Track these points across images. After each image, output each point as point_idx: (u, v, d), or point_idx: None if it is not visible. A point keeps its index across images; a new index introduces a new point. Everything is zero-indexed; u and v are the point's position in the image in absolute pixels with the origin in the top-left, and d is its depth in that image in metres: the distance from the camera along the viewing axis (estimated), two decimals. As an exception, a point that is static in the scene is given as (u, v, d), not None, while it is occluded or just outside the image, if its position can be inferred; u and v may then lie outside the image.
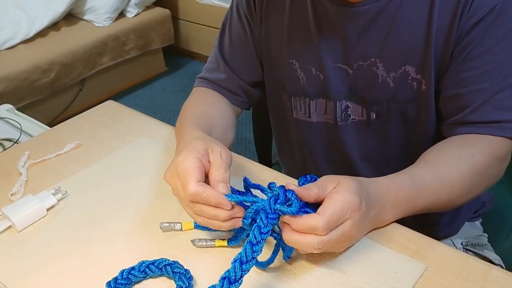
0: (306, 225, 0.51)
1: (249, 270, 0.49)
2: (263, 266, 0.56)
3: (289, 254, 0.56)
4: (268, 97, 0.89)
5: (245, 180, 0.59)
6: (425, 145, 0.70)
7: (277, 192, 0.53)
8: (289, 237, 0.52)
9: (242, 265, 0.48)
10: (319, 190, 0.53)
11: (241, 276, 0.48)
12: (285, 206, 0.52)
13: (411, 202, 0.61)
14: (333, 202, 0.52)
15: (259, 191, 0.58)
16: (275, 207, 0.51)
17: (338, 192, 0.52)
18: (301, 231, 0.51)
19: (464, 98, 0.68)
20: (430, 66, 0.69)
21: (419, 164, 0.66)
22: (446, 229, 0.87)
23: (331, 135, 0.82)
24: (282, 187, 0.54)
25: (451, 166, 0.64)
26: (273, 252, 0.56)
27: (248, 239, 0.50)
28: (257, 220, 0.51)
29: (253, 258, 0.49)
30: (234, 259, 0.49)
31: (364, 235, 0.60)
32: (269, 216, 0.51)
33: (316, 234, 0.51)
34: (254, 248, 0.49)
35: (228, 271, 0.48)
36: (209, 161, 0.58)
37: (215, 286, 0.48)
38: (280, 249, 0.57)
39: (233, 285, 0.48)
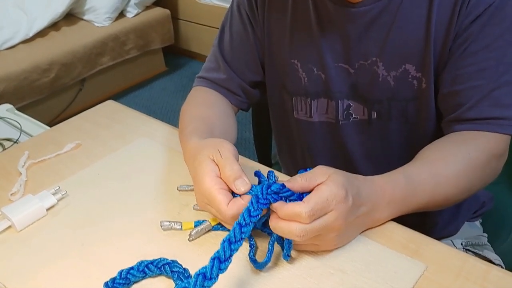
0: (291, 212, 0.52)
1: (237, 249, 0.50)
2: (261, 266, 0.56)
3: (288, 252, 0.56)
4: (268, 97, 0.89)
5: (257, 174, 0.60)
6: (426, 144, 0.70)
7: (272, 181, 0.56)
8: (274, 223, 0.54)
9: (230, 245, 0.50)
10: (305, 180, 0.54)
11: (230, 255, 0.50)
12: (275, 194, 0.54)
13: (406, 201, 0.61)
14: (319, 192, 0.53)
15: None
16: (267, 192, 0.54)
17: (325, 184, 0.53)
18: (286, 219, 0.53)
19: (461, 95, 0.68)
20: (429, 64, 0.69)
21: (415, 163, 0.66)
22: (446, 229, 0.87)
23: (333, 134, 0.82)
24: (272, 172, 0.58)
25: (447, 164, 0.64)
26: (268, 252, 0.56)
27: (237, 220, 0.52)
28: (248, 204, 0.53)
29: (241, 238, 0.51)
30: (223, 239, 0.50)
31: (358, 233, 0.60)
32: (259, 201, 0.53)
33: (300, 222, 0.52)
34: (242, 229, 0.51)
35: (218, 251, 0.50)
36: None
37: (206, 267, 0.49)
38: (280, 249, 0.58)
39: (222, 264, 0.49)
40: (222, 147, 0.59)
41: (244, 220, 0.52)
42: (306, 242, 0.55)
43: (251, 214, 0.52)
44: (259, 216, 0.53)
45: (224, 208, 0.55)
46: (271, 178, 0.58)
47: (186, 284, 0.49)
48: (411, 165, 0.65)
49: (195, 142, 0.66)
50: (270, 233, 0.59)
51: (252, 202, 0.53)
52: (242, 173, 0.56)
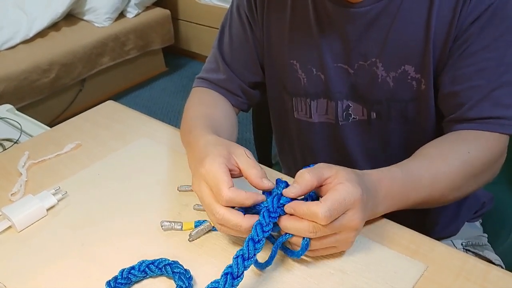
0: (307, 211, 0.51)
1: (250, 266, 0.50)
2: (261, 267, 0.56)
3: (303, 251, 0.54)
4: (269, 97, 0.90)
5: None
6: (425, 144, 0.70)
7: (280, 192, 0.55)
8: (286, 221, 0.53)
9: (244, 261, 0.49)
10: (313, 176, 0.53)
11: (243, 272, 0.49)
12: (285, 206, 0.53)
13: (403, 195, 0.61)
14: (336, 192, 0.52)
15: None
16: (278, 205, 0.53)
17: (341, 183, 0.52)
18: (303, 217, 0.52)
19: (461, 95, 0.68)
20: (429, 65, 0.69)
21: (414, 158, 0.66)
22: (446, 229, 0.87)
23: (333, 135, 0.82)
24: (284, 183, 0.56)
25: (445, 161, 0.64)
26: (270, 255, 0.56)
27: (250, 236, 0.51)
28: (260, 218, 0.52)
29: (254, 255, 0.50)
30: (236, 255, 0.50)
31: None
32: (271, 215, 0.52)
33: (316, 222, 0.51)
34: (256, 246, 0.51)
35: (230, 266, 0.49)
36: (236, 166, 0.58)
37: (218, 281, 0.49)
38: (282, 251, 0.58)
39: (235, 281, 0.49)
40: (247, 150, 0.60)
41: (257, 235, 0.51)
42: (324, 246, 0.54)
43: (264, 229, 0.51)
44: (270, 231, 0.52)
45: (225, 189, 0.53)
46: (280, 186, 0.57)
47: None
48: (410, 161, 0.65)
49: (212, 137, 0.64)
50: (273, 240, 0.59)
51: (264, 216, 0.52)
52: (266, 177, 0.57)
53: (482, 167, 0.66)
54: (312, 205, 0.51)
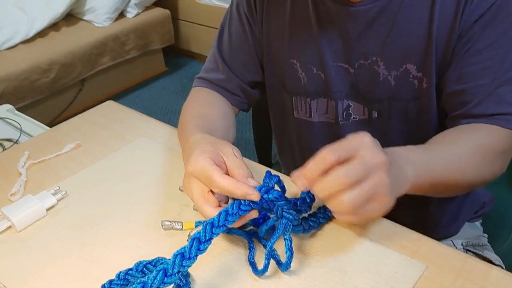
0: (315, 160, 0.51)
1: (218, 234, 0.51)
2: (258, 274, 0.56)
3: (288, 266, 0.55)
4: (268, 97, 0.89)
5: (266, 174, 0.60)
6: None
7: (272, 185, 0.56)
8: (317, 184, 0.51)
9: (212, 228, 0.51)
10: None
11: (210, 238, 0.50)
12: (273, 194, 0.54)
13: (424, 164, 0.59)
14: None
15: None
16: (266, 197, 0.54)
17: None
18: (316, 173, 0.51)
19: (466, 93, 0.68)
20: (431, 64, 0.69)
21: (428, 144, 0.66)
22: (446, 229, 0.87)
23: (333, 134, 0.82)
24: (277, 177, 0.57)
25: (458, 145, 0.64)
26: (264, 265, 0.55)
27: (225, 208, 0.53)
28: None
29: (224, 225, 0.51)
30: (206, 222, 0.51)
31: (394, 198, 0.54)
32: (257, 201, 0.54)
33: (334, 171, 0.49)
34: (228, 218, 0.52)
35: (198, 232, 0.50)
36: (223, 163, 0.58)
37: (185, 247, 0.49)
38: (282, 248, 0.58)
39: (202, 245, 0.50)
40: (235, 149, 0.59)
41: (233, 209, 0.52)
42: (363, 196, 0.49)
43: (241, 207, 0.53)
44: (247, 211, 0.53)
45: (217, 176, 0.54)
46: (273, 180, 0.57)
47: (165, 265, 0.49)
48: (426, 143, 0.65)
49: (201, 135, 0.65)
50: (265, 244, 0.59)
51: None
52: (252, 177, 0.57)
53: (493, 154, 0.66)
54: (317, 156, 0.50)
